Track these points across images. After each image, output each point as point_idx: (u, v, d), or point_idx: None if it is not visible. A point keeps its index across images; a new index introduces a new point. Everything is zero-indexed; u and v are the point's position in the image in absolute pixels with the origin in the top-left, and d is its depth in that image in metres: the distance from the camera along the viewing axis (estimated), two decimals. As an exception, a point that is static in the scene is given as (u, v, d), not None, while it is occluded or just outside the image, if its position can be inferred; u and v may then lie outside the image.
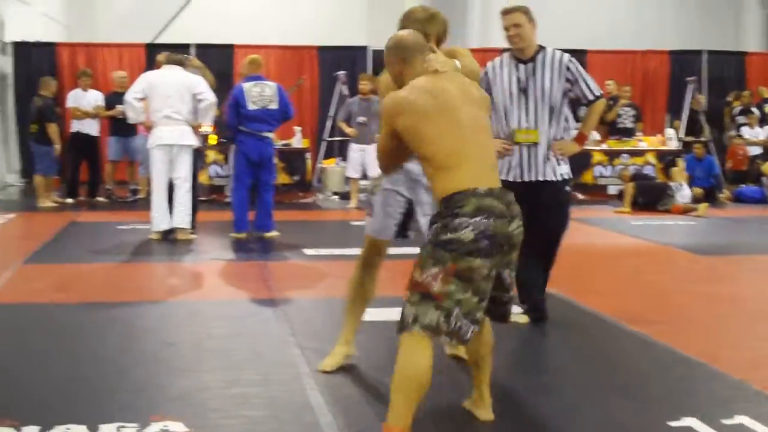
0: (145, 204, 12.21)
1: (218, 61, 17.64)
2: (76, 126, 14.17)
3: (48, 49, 17.94)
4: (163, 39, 20.18)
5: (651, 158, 15.53)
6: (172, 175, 9.83)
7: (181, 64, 10.11)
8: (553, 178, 6.05)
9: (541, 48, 6.06)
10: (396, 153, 4.02)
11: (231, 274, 8.39)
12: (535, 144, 5.99)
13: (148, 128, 10.23)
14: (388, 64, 4.10)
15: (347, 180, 14.47)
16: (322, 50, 18.41)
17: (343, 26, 20.80)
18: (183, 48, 16.34)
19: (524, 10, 6.06)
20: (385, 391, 4.39)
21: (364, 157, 13.09)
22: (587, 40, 19.70)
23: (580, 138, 6.26)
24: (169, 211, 9.87)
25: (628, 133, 16.16)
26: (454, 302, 3.56)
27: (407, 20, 4.60)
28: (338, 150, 15.80)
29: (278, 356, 5.29)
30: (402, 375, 3.60)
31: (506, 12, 6.08)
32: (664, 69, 19.60)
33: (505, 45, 6.17)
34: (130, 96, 9.94)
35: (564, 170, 6.10)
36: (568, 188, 6.20)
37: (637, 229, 11.32)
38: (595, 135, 15.85)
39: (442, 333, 3.58)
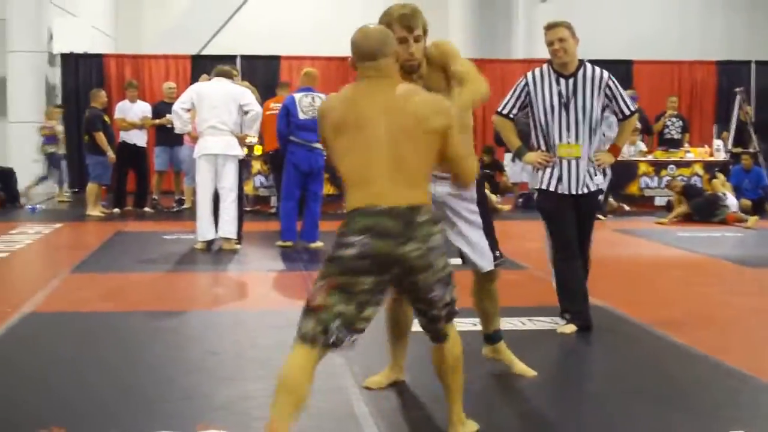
0: (190, 214, 12.33)
1: (263, 72, 17.81)
2: (123, 136, 14.32)
3: (95, 60, 18.16)
4: (209, 51, 20.35)
5: (698, 169, 15.36)
6: (217, 185, 9.89)
7: (229, 76, 10.20)
8: (592, 189, 6.16)
9: (582, 63, 6.09)
10: None
11: (275, 283, 8.41)
12: (577, 158, 6.04)
13: (194, 139, 10.33)
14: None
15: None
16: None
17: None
18: (229, 60, 16.44)
19: (567, 25, 6.09)
20: (431, 402, 4.40)
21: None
22: (632, 50, 19.61)
23: (615, 150, 6.43)
24: (215, 221, 9.94)
25: (675, 144, 16.04)
26: (333, 314, 3.50)
27: (388, 16, 4.34)
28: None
29: (322, 366, 5.21)
30: (278, 377, 3.55)
31: (550, 27, 6.11)
32: (711, 79, 19.46)
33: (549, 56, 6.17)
34: (177, 106, 10.05)
35: (599, 180, 6.27)
36: (600, 197, 6.28)
37: (684, 241, 11.20)
38: (642, 146, 15.76)
39: (318, 344, 3.52)
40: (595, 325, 6.19)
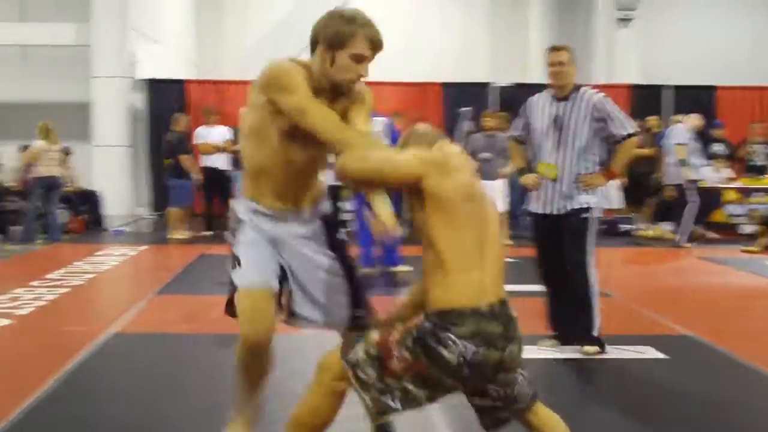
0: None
1: (343, 97, 17.84)
2: (204, 161, 14.49)
3: (177, 86, 18.39)
4: (289, 76, 20.51)
5: (785, 196, 15.06)
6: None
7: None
8: (569, 209, 6.16)
9: (577, 87, 6.21)
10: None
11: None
12: (553, 180, 6.16)
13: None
14: None
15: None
16: (446, 87, 18.43)
17: (467, 63, 20.81)
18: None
19: (569, 49, 6.29)
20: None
21: (488, 193, 13.00)
22: (714, 76, 19.33)
23: (609, 174, 6.34)
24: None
25: (760, 171, 15.77)
26: (399, 389, 3.16)
27: (353, 23, 3.79)
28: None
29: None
30: (306, 403, 3.53)
31: (554, 49, 6.33)
32: (798, 105, 19.03)
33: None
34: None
35: (584, 199, 6.16)
36: (585, 216, 6.19)
37: (772, 270, 10.99)
38: (728, 172, 15.51)
39: (362, 395, 3.25)
40: (680, 354, 6.18)
